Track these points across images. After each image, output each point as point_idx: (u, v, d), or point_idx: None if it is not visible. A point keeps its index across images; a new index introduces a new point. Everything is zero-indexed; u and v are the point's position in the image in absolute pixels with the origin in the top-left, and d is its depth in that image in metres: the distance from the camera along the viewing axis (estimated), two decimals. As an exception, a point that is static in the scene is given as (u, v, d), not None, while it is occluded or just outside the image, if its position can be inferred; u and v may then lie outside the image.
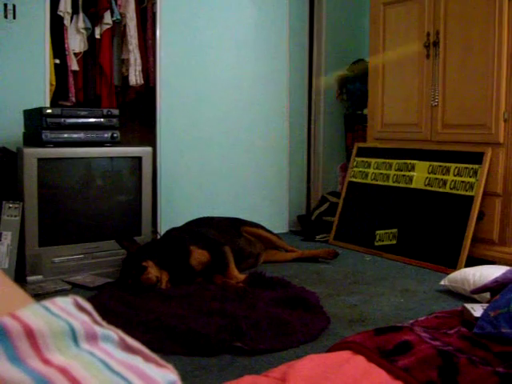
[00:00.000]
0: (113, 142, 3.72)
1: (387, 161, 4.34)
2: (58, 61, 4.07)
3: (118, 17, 4.33)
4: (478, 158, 3.71)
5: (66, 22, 4.09)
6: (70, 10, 4.08)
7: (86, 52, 4.31)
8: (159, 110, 4.34)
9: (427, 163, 4.01)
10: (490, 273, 2.82)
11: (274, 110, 4.95)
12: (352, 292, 3.22)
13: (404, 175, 4.16)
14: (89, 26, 4.25)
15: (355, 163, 4.63)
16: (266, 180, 4.93)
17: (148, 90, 4.63)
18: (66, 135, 3.53)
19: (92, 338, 0.37)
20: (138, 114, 4.94)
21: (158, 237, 4.05)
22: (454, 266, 3.54)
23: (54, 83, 4.00)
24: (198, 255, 3.31)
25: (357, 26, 5.36)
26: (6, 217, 3.29)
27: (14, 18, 3.75)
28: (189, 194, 4.51)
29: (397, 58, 4.36)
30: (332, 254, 3.92)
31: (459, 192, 3.75)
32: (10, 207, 3.30)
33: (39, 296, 3.03)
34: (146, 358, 0.38)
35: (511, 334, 1.60)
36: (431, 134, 4.09)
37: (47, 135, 3.45)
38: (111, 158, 3.73)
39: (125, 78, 4.52)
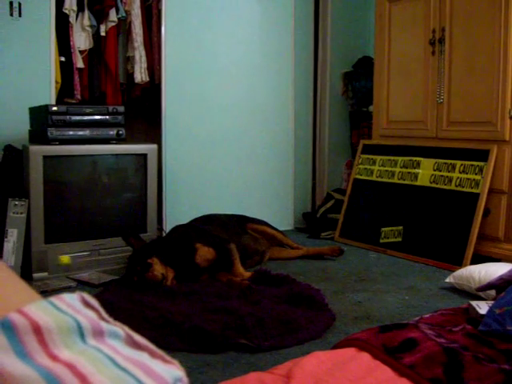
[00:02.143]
0: (118, 140, 3.72)
1: (392, 158, 4.33)
2: (63, 58, 4.08)
3: (123, 14, 4.34)
4: (483, 156, 3.70)
5: (72, 19, 4.09)
6: (75, 8, 4.08)
7: (92, 49, 4.31)
8: (164, 107, 4.35)
9: (433, 160, 4.00)
10: (496, 270, 2.82)
11: (279, 107, 4.94)
12: (357, 289, 3.22)
13: (409, 172, 4.16)
14: (94, 23, 4.25)
15: (360, 160, 4.62)
16: (272, 177, 4.93)
17: (153, 87, 4.63)
18: (71, 132, 3.54)
19: (98, 334, 0.37)
20: (143, 111, 4.94)
21: (164, 234, 4.06)
22: (460, 264, 3.54)
23: (59, 81, 4.01)
24: (204, 252, 3.31)
25: (362, 23, 5.35)
26: (11, 214, 3.30)
27: (20, 15, 3.76)
28: (194, 191, 4.51)
29: (402, 55, 4.35)
30: (337, 252, 3.91)
31: (465, 189, 3.74)
32: (15, 204, 3.31)
33: (45, 293, 3.04)
34: (153, 354, 0.39)
35: (517, 332, 1.59)
36: (437, 131, 4.08)
37: (53, 132, 3.45)
38: (116, 155, 3.74)
39: (130, 76, 4.52)
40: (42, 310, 0.35)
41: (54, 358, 0.34)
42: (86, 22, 4.19)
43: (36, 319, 0.34)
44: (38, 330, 0.34)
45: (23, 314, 0.34)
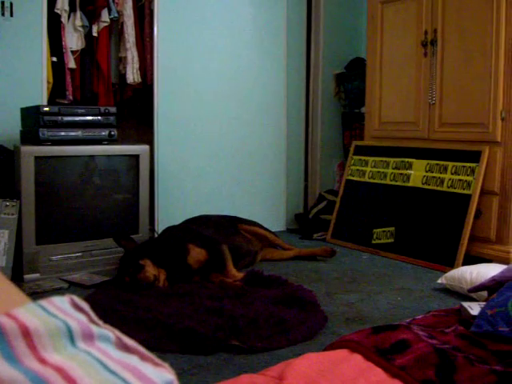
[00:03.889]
0: (110, 140, 3.71)
1: (385, 159, 4.34)
2: (55, 59, 4.06)
3: (116, 14, 4.33)
4: (475, 157, 3.71)
5: (64, 19, 4.08)
6: (67, 8, 4.07)
7: (84, 50, 4.30)
8: (157, 107, 4.34)
9: (425, 161, 4.02)
10: (488, 271, 2.83)
11: (271, 108, 4.95)
12: (349, 290, 3.22)
13: (401, 173, 4.17)
14: (86, 23, 4.24)
15: (353, 161, 4.63)
16: (264, 178, 4.93)
17: (145, 87, 4.62)
18: (63, 133, 3.52)
19: (88, 337, 0.37)
20: (135, 111, 4.93)
21: (156, 235, 4.05)
22: (452, 265, 3.55)
23: (51, 81, 4.00)
24: (196, 253, 3.31)
25: (354, 24, 5.36)
26: (3, 215, 3.28)
27: (11, 15, 3.74)
28: (186, 192, 4.51)
29: (394, 57, 4.36)
30: (329, 253, 3.92)
31: (457, 190, 3.75)
32: (7, 205, 3.29)
33: (36, 294, 3.03)
34: (143, 358, 0.38)
35: (508, 333, 1.60)
36: (429, 132, 4.09)
37: (44, 133, 3.44)
38: (108, 156, 3.72)
39: (122, 76, 4.51)
40: (31, 313, 0.35)
41: (43, 361, 0.34)
42: (78, 22, 4.18)
43: (25, 322, 0.34)
44: (26, 334, 0.34)
45: (12, 317, 0.34)
